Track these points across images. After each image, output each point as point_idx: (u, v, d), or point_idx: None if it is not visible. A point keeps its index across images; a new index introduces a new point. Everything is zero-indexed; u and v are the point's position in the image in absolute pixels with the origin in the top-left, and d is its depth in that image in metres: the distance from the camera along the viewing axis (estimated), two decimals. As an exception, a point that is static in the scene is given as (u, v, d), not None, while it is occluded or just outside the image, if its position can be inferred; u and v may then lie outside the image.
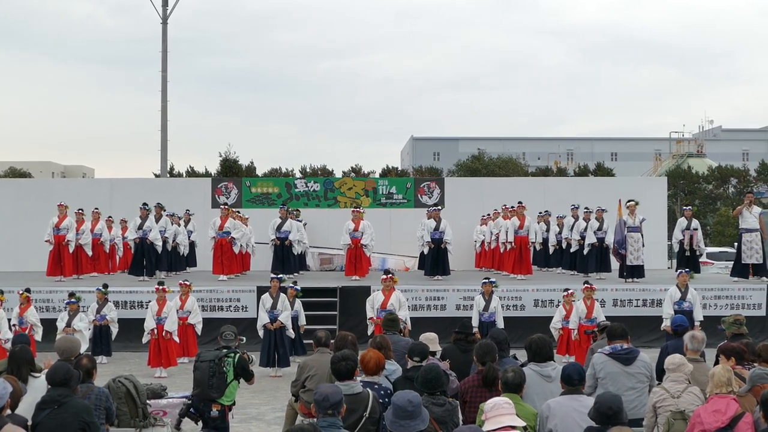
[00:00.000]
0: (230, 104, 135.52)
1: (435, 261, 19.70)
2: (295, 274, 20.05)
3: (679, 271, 16.26)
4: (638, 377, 7.60)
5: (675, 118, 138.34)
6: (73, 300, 15.51)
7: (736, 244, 19.92)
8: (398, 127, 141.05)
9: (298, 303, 15.60)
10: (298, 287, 15.75)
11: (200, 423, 9.14)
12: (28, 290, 15.62)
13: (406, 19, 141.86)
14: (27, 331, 15.00)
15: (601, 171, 53.89)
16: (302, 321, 15.65)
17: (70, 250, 19.67)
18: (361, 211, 20.05)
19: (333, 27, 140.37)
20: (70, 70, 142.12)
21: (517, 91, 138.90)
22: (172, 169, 47.02)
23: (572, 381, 6.41)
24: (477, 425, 5.99)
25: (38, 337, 15.18)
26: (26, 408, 6.36)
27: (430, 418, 5.72)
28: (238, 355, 9.01)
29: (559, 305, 16.05)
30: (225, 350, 9.00)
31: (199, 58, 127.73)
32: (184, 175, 47.99)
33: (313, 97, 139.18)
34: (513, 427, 5.30)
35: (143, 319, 15.38)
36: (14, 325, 14.96)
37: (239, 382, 9.12)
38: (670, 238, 23.82)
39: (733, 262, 19.97)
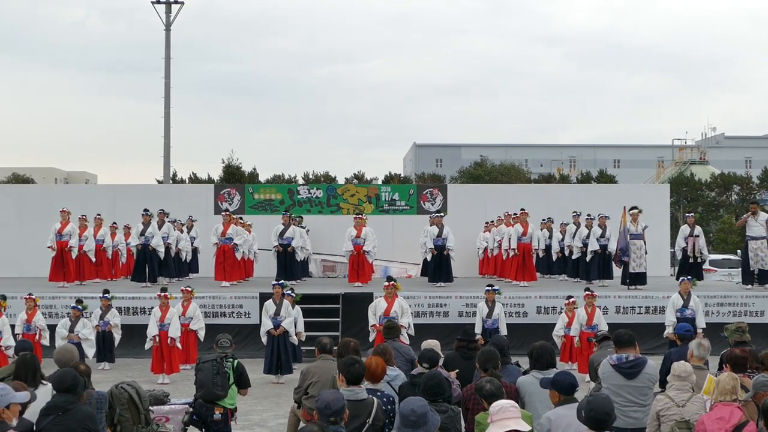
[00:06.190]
0: (230, 110, 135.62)
1: (438, 268, 19.71)
2: (298, 280, 20.07)
3: (681, 278, 16.21)
4: (642, 390, 7.40)
5: (670, 124, 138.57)
6: (78, 306, 15.47)
7: (739, 251, 19.94)
8: (400, 134, 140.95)
9: (297, 309, 15.52)
10: (293, 293, 15.64)
11: (203, 430, 9.16)
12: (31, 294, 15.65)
13: (401, 26, 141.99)
14: (36, 337, 15.02)
15: (604, 178, 53.93)
16: (299, 327, 15.40)
17: (73, 256, 19.70)
18: (364, 217, 20.01)
19: (330, 33, 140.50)
20: (68, 76, 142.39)
21: (515, 97, 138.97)
22: (174, 175, 47.10)
23: (571, 390, 6.27)
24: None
25: (46, 341, 15.14)
26: (31, 414, 6.34)
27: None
28: (237, 360, 9.16)
29: (561, 312, 16.05)
30: (223, 355, 9.11)
31: (198, 64, 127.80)
32: (187, 181, 48.06)
33: (313, 103, 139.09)
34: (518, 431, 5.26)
35: (146, 326, 15.41)
36: (18, 333, 14.89)
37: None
38: (673, 245, 23.82)
39: (740, 271, 20.07)
